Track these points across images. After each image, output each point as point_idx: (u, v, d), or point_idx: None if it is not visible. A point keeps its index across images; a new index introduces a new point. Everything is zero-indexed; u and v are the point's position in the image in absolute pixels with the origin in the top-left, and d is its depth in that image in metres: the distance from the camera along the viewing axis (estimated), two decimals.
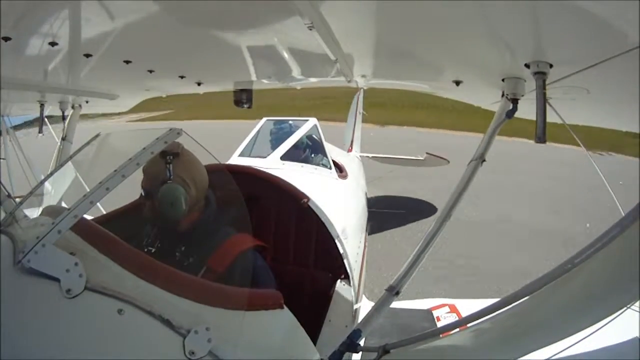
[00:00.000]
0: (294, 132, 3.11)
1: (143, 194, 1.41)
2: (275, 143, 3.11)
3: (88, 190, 1.01)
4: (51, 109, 3.19)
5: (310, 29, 1.20)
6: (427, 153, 6.95)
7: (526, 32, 1.10)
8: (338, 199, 2.69)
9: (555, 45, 1.16)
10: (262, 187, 2.19)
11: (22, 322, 0.83)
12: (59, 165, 1.63)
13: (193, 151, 1.44)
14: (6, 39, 1.35)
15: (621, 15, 0.85)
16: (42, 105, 2.98)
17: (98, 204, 1.01)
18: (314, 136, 3.28)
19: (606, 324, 0.88)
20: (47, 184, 2.00)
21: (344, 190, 3.01)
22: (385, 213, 6.35)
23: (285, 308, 1.12)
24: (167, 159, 1.35)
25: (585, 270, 0.87)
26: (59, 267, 0.87)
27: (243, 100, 2.72)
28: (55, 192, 1.98)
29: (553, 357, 0.99)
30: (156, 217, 1.40)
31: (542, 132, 1.30)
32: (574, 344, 0.96)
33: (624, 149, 9.94)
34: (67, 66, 1.95)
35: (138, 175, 1.33)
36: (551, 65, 1.23)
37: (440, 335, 1.25)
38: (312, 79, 2.43)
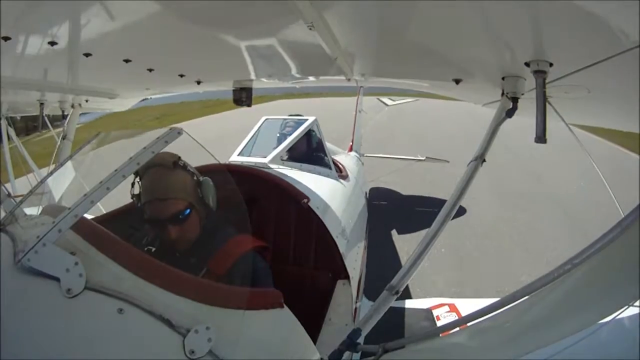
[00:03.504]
0: (294, 131, 3.10)
1: (170, 222, 1.33)
2: (275, 142, 3.10)
3: (88, 189, 1.01)
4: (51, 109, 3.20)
5: (311, 29, 1.20)
6: (427, 157, 7.45)
7: (526, 31, 1.10)
8: (338, 198, 2.69)
9: (555, 44, 1.15)
10: (262, 187, 2.19)
11: (22, 322, 0.83)
12: (59, 165, 1.62)
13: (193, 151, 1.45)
14: (6, 38, 1.35)
15: (621, 14, 0.84)
16: (42, 105, 2.99)
17: (98, 203, 1.01)
18: (314, 135, 3.28)
19: (605, 323, 0.88)
20: (47, 183, 2.00)
21: (344, 190, 3.01)
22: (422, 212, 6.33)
23: (286, 307, 1.12)
24: (180, 163, 1.36)
25: (585, 271, 0.87)
26: (59, 266, 0.87)
27: (242, 98, 2.72)
28: (55, 191, 1.98)
29: (553, 357, 0.99)
30: (195, 227, 1.38)
31: (542, 131, 1.29)
32: (573, 344, 0.96)
33: None
34: (67, 65, 1.95)
35: None
36: (551, 64, 1.23)
37: (440, 335, 1.25)
38: (312, 78, 2.43)
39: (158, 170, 1.30)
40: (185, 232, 1.36)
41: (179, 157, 1.37)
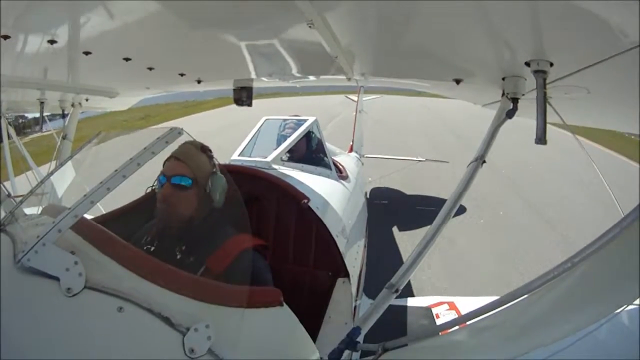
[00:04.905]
0: (294, 131, 3.09)
1: (171, 181, 1.37)
2: (276, 142, 3.09)
3: (88, 189, 1.01)
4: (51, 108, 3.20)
5: (311, 28, 1.20)
6: (427, 158, 7.82)
7: (527, 31, 1.10)
8: (338, 199, 2.69)
9: (556, 44, 1.15)
10: (262, 187, 2.18)
11: (22, 322, 0.83)
12: (60, 164, 1.62)
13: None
14: (6, 37, 1.35)
15: (622, 14, 0.85)
16: (42, 104, 2.99)
17: (98, 203, 1.01)
18: (314, 135, 3.27)
19: (605, 322, 0.89)
20: (47, 183, 2.00)
21: (344, 190, 3.01)
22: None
23: (285, 306, 1.12)
24: (208, 154, 1.46)
25: (585, 270, 0.88)
26: (59, 266, 0.87)
27: (243, 98, 2.71)
28: (55, 191, 1.99)
29: (553, 356, 0.99)
30: (189, 205, 1.39)
31: (542, 132, 1.29)
32: (573, 343, 0.96)
33: None
34: (67, 64, 1.94)
35: (137, 176, 1.33)
36: (551, 64, 1.23)
37: (440, 333, 1.25)
38: (312, 77, 2.43)
39: (188, 144, 1.43)
40: (178, 201, 1.37)
41: (209, 148, 1.48)
